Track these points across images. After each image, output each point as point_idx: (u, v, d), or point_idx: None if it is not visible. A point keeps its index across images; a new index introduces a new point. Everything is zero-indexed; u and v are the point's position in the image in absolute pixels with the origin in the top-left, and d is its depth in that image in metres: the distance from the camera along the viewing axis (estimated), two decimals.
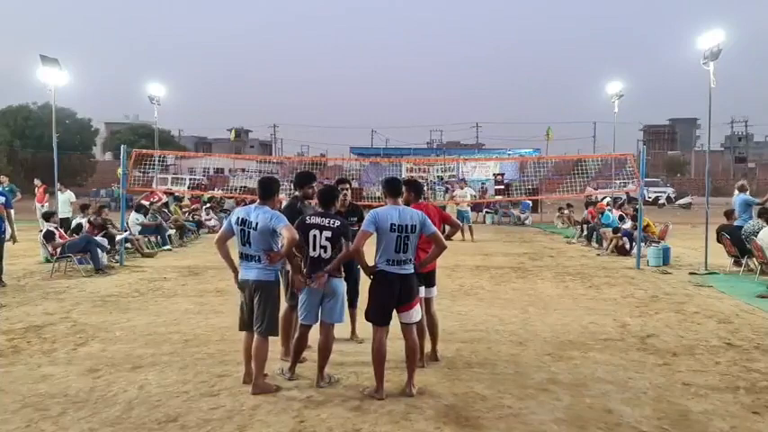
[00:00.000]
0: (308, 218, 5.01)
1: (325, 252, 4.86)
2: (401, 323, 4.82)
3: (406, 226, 4.66)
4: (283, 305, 5.33)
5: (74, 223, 12.59)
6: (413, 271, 4.78)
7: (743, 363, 5.62)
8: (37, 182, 17.50)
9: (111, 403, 4.55)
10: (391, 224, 4.63)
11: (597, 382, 5.08)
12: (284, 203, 5.71)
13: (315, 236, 4.87)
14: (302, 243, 4.89)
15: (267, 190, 4.99)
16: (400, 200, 4.93)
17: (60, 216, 13.29)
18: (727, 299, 8.63)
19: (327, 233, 4.86)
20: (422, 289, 5.28)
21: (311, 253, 4.89)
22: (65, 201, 14.80)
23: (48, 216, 11.85)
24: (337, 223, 4.91)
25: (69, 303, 8.20)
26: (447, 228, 5.78)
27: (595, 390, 4.88)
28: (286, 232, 4.65)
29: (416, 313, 4.86)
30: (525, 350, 6.02)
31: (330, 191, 5.25)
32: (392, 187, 4.89)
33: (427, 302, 5.55)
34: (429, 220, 4.80)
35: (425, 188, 27.90)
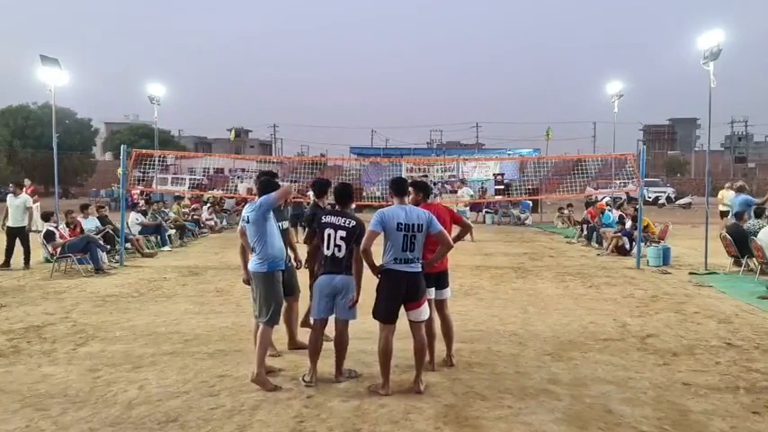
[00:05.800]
0: (323, 216, 5.03)
1: (339, 251, 4.88)
2: (409, 321, 4.84)
3: (413, 225, 4.68)
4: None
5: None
6: (420, 269, 4.79)
7: (743, 363, 5.62)
8: (27, 181, 17.52)
9: (111, 403, 4.55)
10: (398, 223, 4.66)
11: (597, 382, 5.08)
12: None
13: (330, 234, 4.90)
14: (319, 241, 5.00)
15: (259, 187, 5.32)
16: (407, 199, 4.93)
17: (10, 224, 11.69)
18: (728, 299, 8.62)
19: (342, 233, 4.87)
20: (432, 290, 5.25)
21: (326, 251, 4.93)
22: (17, 206, 11.80)
23: (47, 216, 11.82)
24: (353, 223, 4.91)
25: (69, 303, 8.21)
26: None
27: (595, 390, 4.88)
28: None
29: (425, 311, 4.88)
30: (525, 350, 6.01)
31: (346, 189, 5.24)
32: (398, 187, 4.93)
33: (440, 304, 5.49)
34: (435, 220, 4.80)
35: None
